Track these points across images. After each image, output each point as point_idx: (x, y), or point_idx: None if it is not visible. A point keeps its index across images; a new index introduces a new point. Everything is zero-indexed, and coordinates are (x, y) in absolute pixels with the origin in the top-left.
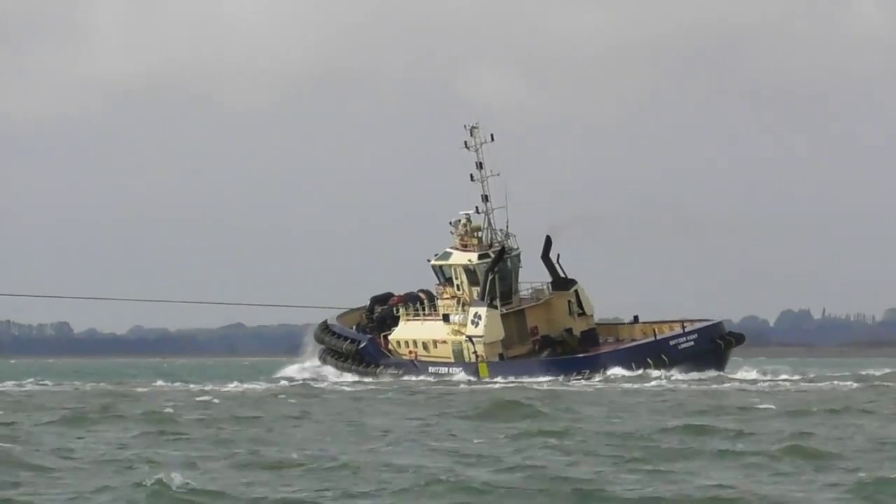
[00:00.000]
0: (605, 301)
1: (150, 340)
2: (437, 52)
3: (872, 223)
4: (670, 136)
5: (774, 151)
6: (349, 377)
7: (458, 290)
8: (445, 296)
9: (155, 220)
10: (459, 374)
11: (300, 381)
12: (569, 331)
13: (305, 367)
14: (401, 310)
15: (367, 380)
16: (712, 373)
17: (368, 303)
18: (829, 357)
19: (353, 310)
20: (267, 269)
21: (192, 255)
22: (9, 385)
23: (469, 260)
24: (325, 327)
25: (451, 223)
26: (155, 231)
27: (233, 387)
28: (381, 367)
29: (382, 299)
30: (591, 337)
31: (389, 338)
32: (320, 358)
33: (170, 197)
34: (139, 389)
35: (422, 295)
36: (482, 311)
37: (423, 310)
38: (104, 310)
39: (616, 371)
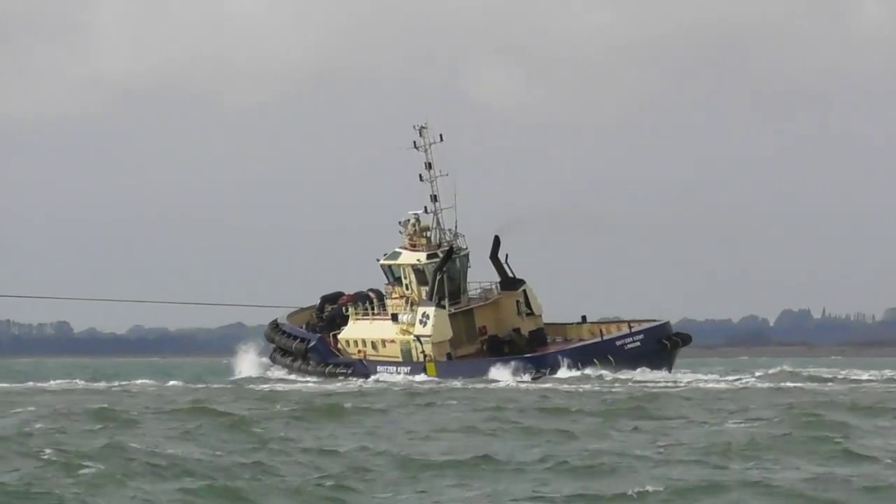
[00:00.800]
0: (586, 302)
1: (149, 340)
2: (439, 51)
3: (872, 223)
4: (670, 136)
5: (774, 151)
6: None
7: (407, 289)
8: (394, 295)
9: (156, 220)
10: (407, 374)
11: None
12: (517, 330)
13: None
14: (350, 309)
15: (313, 378)
16: (658, 373)
17: (319, 302)
18: (829, 357)
19: (303, 309)
20: (267, 268)
21: (193, 255)
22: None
23: (417, 260)
24: (275, 326)
25: (400, 223)
26: (155, 231)
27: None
28: (330, 366)
29: (332, 298)
30: (539, 337)
31: (339, 337)
32: (270, 357)
33: (171, 196)
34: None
35: (371, 294)
36: (430, 310)
37: (373, 309)
38: (104, 309)
39: (562, 371)
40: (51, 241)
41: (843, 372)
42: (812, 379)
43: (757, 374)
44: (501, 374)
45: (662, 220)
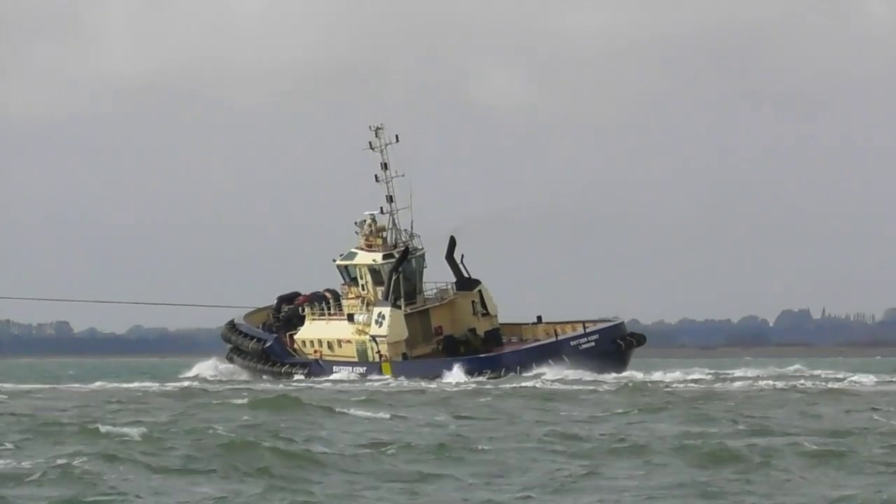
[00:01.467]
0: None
1: (149, 340)
2: (446, 51)
3: (873, 223)
4: (671, 136)
5: (774, 151)
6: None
7: (363, 290)
8: (350, 296)
9: (157, 220)
10: (362, 374)
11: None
12: (472, 331)
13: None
14: (306, 309)
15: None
16: (613, 373)
17: (275, 302)
18: (830, 357)
19: (260, 309)
20: (269, 268)
21: (194, 256)
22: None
23: (373, 260)
24: (231, 326)
25: (356, 223)
26: (157, 231)
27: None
28: (287, 366)
29: (289, 298)
30: (494, 337)
31: (295, 337)
32: (227, 357)
33: (173, 197)
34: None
35: (328, 294)
36: (386, 310)
37: (329, 309)
38: (104, 309)
39: (516, 371)
40: (51, 241)
41: None
42: None
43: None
44: (456, 375)
45: (661, 220)
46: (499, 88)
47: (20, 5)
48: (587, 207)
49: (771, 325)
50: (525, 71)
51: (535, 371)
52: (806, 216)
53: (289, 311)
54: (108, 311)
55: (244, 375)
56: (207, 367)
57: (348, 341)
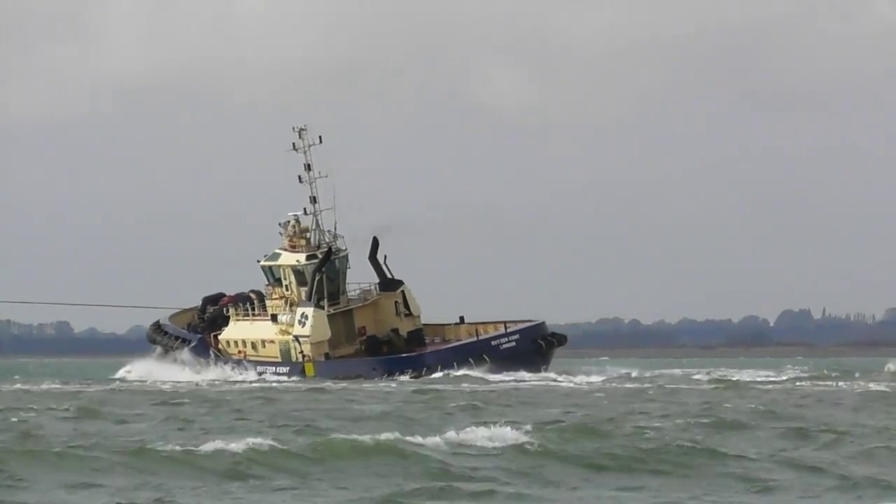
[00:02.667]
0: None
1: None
2: (449, 50)
3: (873, 223)
4: (671, 136)
5: (775, 151)
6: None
7: (287, 290)
8: (274, 296)
9: (159, 220)
10: (285, 374)
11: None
12: (395, 331)
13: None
14: (231, 310)
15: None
16: (533, 373)
17: (201, 303)
18: (830, 357)
19: (185, 310)
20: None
21: (195, 255)
22: None
23: (297, 261)
24: (157, 327)
25: (280, 224)
26: (157, 231)
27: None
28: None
29: (214, 299)
30: (417, 337)
31: (220, 337)
32: (154, 358)
33: (175, 196)
34: None
35: (252, 295)
36: (309, 311)
37: (253, 310)
38: (104, 309)
39: (438, 371)
40: (52, 242)
41: None
42: None
43: None
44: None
45: (661, 220)
46: (498, 88)
47: (22, 6)
48: (587, 208)
49: (771, 325)
50: (525, 70)
51: (459, 371)
52: (806, 216)
53: (213, 312)
54: (109, 311)
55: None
56: (141, 367)
57: (272, 341)
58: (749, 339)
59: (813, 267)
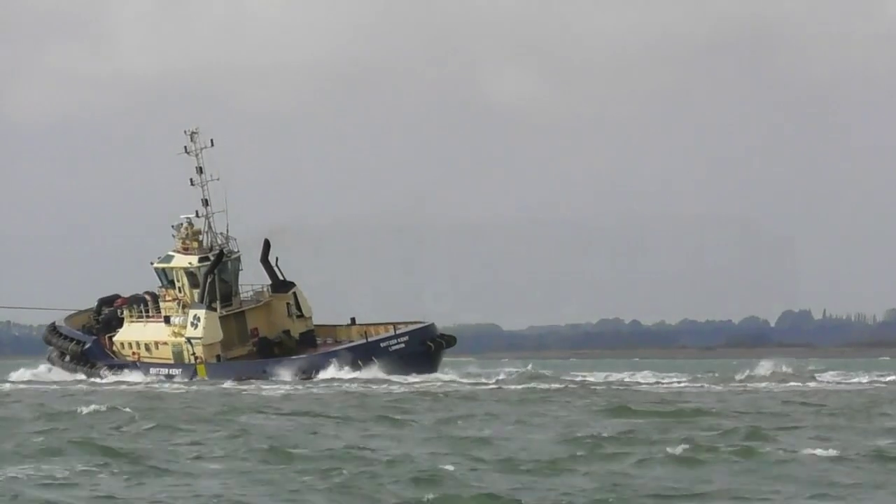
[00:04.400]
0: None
1: None
2: (458, 50)
3: (873, 223)
4: (672, 136)
5: (774, 151)
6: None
7: (180, 292)
8: (168, 298)
9: (158, 220)
10: (178, 376)
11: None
12: (286, 332)
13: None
14: (125, 311)
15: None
16: (423, 374)
17: (96, 304)
18: (830, 357)
19: (81, 311)
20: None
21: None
22: None
23: (189, 263)
24: (52, 329)
25: (173, 227)
26: (159, 231)
27: None
28: (104, 367)
29: (109, 301)
30: (309, 338)
31: (114, 339)
32: (48, 359)
33: (177, 196)
34: None
35: (147, 297)
36: (201, 313)
37: (147, 312)
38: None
39: (329, 372)
40: (54, 242)
41: None
42: None
43: None
44: (278, 375)
45: (661, 219)
46: (500, 88)
47: (33, 6)
48: (587, 208)
49: (772, 325)
50: (534, 70)
51: (348, 373)
52: (806, 216)
53: (108, 314)
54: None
55: (64, 377)
56: (40, 369)
57: (165, 343)
58: (750, 340)
59: (814, 267)
